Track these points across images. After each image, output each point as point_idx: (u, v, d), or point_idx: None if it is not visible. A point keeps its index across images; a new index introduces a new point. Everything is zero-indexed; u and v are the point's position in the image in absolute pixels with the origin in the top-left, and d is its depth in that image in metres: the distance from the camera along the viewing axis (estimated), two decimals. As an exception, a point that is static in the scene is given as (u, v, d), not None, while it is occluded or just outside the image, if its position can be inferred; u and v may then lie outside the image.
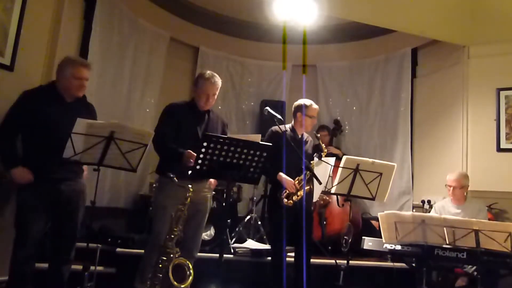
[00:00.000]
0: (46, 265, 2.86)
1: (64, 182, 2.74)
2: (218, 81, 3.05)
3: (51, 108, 2.69)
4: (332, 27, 5.55)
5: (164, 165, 2.99)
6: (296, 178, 3.26)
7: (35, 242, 2.68)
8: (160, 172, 3.02)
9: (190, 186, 2.69)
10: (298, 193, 3.25)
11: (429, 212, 3.95)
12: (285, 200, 3.22)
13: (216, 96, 3.07)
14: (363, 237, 3.18)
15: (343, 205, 4.28)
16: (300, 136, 3.48)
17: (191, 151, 2.73)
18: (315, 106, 3.47)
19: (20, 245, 2.65)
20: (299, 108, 3.45)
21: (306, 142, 3.52)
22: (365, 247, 3.13)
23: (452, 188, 3.59)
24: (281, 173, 3.27)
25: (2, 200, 3.03)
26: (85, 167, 2.90)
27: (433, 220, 2.84)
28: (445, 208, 3.67)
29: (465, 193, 3.61)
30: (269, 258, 3.55)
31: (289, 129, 3.45)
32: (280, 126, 3.34)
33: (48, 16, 3.57)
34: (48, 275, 2.82)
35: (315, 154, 3.40)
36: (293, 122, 3.52)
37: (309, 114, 3.42)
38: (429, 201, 4.36)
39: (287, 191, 3.24)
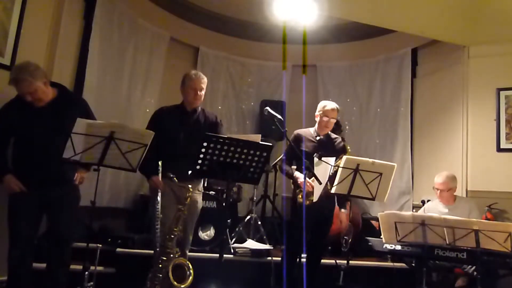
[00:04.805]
0: (44, 265, 2.89)
1: (52, 187, 2.78)
2: (204, 78, 3.10)
3: (22, 118, 2.73)
4: (332, 27, 5.54)
5: (164, 166, 2.98)
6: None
7: (27, 242, 2.74)
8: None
9: (190, 186, 2.70)
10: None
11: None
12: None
13: (203, 93, 3.11)
14: (367, 238, 3.20)
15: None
16: (322, 136, 3.57)
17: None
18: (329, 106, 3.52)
19: (13, 245, 2.73)
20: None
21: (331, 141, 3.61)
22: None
23: (439, 191, 3.61)
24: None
25: (1, 201, 3.03)
26: (83, 174, 2.94)
27: (433, 220, 2.83)
28: (435, 208, 3.68)
29: (453, 194, 3.63)
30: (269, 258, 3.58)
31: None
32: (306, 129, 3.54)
33: (48, 16, 3.57)
34: (44, 277, 2.84)
35: (315, 154, 3.40)
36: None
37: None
38: (429, 201, 4.36)
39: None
